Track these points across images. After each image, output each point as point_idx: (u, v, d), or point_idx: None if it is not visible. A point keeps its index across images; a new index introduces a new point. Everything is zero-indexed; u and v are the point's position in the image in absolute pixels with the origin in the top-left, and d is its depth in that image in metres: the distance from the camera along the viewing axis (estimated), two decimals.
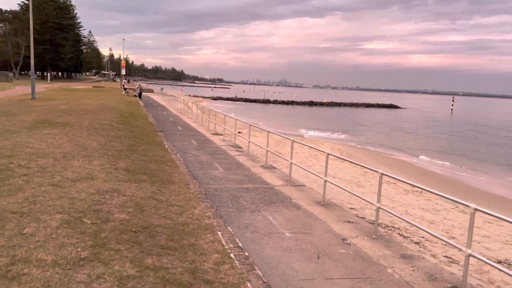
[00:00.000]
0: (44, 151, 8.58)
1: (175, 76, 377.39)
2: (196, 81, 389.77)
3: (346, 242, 6.04)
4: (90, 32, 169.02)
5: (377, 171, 6.38)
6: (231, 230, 5.63)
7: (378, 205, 6.39)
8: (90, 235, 4.25)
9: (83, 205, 5.25)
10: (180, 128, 20.15)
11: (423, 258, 5.84)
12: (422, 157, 25.85)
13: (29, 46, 68.28)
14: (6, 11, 77.24)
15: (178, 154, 11.16)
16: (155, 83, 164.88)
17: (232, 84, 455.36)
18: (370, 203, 6.62)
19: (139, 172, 7.78)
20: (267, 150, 12.26)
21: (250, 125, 15.04)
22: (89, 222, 4.65)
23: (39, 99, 26.05)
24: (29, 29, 65.30)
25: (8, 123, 12.71)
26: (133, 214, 5.27)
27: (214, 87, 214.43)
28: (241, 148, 15.74)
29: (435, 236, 5.37)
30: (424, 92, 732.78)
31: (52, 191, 5.69)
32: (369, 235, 6.38)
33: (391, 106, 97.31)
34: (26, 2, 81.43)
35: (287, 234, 6.15)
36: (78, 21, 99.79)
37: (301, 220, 7.00)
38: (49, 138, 10.20)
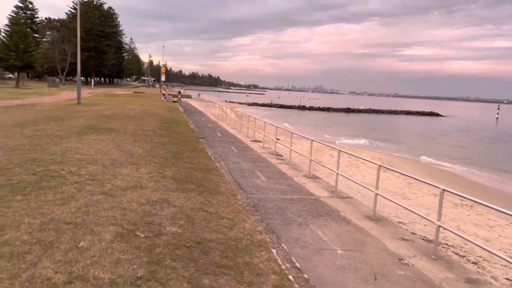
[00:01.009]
0: (93, 157, 8.69)
1: (211, 82, 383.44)
2: (232, 87, 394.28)
3: (403, 262, 5.64)
4: (131, 39, 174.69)
5: (438, 187, 5.95)
6: (285, 247, 5.37)
7: (439, 223, 5.93)
8: (144, 250, 4.12)
9: (135, 216, 5.17)
10: (219, 135, 20.16)
11: (490, 283, 5.35)
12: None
13: (74, 53, 71.48)
14: (54, 19, 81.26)
15: (222, 162, 11.05)
16: (192, 89, 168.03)
17: (267, 90, 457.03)
18: (430, 221, 6.17)
19: (186, 181, 7.70)
20: (310, 159, 11.94)
21: (292, 133, 14.75)
22: (143, 235, 4.54)
23: (84, 104, 26.97)
24: (75, 37, 68.25)
25: (57, 128, 13.11)
26: (185, 227, 5.14)
27: (250, 93, 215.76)
28: (282, 156, 15.49)
29: (502, 258, 4.91)
30: (466, 100, 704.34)
31: (104, 200, 5.67)
32: (427, 255, 5.94)
33: (432, 114, 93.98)
34: (73, 11, 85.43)
35: (339, 251, 5.82)
36: (120, 28, 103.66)
37: (352, 236, 6.64)
38: (97, 144, 10.37)
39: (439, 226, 5.92)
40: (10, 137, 11.01)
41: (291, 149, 13.96)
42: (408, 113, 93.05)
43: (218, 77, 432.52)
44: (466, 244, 8.79)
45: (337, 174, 10.11)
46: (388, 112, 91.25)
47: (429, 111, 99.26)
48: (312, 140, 12.55)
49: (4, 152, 8.85)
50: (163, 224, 5.09)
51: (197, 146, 13.25)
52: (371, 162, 9.37)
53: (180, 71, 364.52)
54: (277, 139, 19.13)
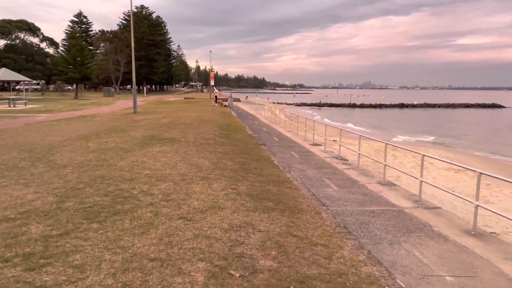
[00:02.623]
0: (161, 172, 8.24)
1: (257, 83, 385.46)
2: (277, 88, 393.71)
3: None
4: (178, 46, 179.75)
5: None
6: (402, 284, 4.46)
7: None
8: None
9: (223, 248, 4.50)
10: (276, 139, 19.41)
11: None
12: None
13: (127, 63, 74.17)
14: (107, 31, 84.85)
15: (292, 173, 10.27)
16: (238, 92, 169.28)
17: (313, 89, 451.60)
18: None
19: (262, 197, 6.99)
20: (384, 165, 10.86)
21: (360, 135, 13.65)
22: (238, 275, 3.84)
23: (140, 113, 27.36)
24: (127, 47, 70.43)
25: (120, 140, 12.98)
26: (279, 260, 4.39)
27: (296, 93, 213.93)
28: (347, 160, 14.45)
29: None
30: None
31: (184, 227, 5.07)
32: None
33: (494, 106, 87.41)
34: (124, 22, 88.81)
35: (447, 277, 4.83)
36: (168, 36, 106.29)
37: (456, 257, 5.60)
38: (162, 157, 9.98)
39: None
40: (76, 152, 10.93)
41: (359, 153, 12.92)
42: (467, 106, 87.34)
43: (263, 78, 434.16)
44: None
45: (421, 182, 9.00)
46: (445, 106, 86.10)
47: (491, 102, 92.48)
48: (387, 143, 11.43)
49: (72, 169, 8.65)
50: (255, 257, 4.38)
51: (261, 154, 12.57)
52: (468, 169, 8.13)
53: (226, 75, 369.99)
54: (333, 140, 18.09)
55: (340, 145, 14.80)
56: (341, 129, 15.93)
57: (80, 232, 4.75)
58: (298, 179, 9.53)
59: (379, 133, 35.79)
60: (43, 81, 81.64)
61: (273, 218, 5.86)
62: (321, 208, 7.06)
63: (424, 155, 9.20)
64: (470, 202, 7.47)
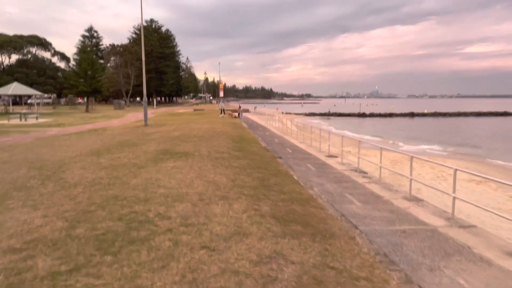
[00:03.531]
0: (178, 191, 7.71)
1: (264, 94, 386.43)
2: (285, 98, 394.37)
3: None
4: (187, 58, 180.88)
5: None
6: None
7: None
8: None
9: (255, 286, 3.92)
10: (290, 151, 18.84)
11: None
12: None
13: (137, 76, 74.52)
14: (117, 45, 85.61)
15: (315, 189, 9.66)
16: (246, 102, 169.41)
17: (321, 98, 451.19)
18: None
19: (288, 219, 6.40)
20: (410, 179, 10.22)
21: (381, 148, 13.01)
22: None
23: (151, 126, 27.03)
24: (137, 60, 70.84)
25: (132, 156, 12.52)
26: None
27: (304, 103, 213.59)
28: (366, 173, 13.81)
29: None
30: None
31: (208, 259, 4.50)
32: None
33: (506, 114, 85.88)
34: (134, 36, 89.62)
35: None
36: (177, 49, 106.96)
37: (506, 285, 4.98)
38: (177, 173, 9.46)
39: None
40: (87, 168, 10.47)
41: (381, 166, 12.28)
42: (479, 114, 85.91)
43: (271, 89, 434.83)
44: None
45: (454, 198, 8.35)
46: (456, 115, 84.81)
47: (503, 111, 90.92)
48: (412, 156, 10.78)
49: (83, 188, 8.16)
50: None
51: (278, 168, 12.00)
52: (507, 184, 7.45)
53: (234, 86, 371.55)
54: (348, 151, 17.45)
55: (359, 157, 14.18)
56: (359, 140, 15.29)
57: (92, 268, 4.20)
58: (323, 196, 8.92)
59: (402, 144, 34.94)
60: (55, 95, 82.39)
61: (304, 245, 5.27)
62: (354, 231, 6.44)
63: (456, 170, 8.56)
64: (506, 218, 6.84)
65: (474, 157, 27.90)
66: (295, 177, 10.83)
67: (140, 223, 5.70)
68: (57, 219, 6.08)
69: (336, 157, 17.44)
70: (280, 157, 14.82)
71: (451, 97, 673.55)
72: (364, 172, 13.92)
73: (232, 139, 18.25)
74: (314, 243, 5.45)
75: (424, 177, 18.02)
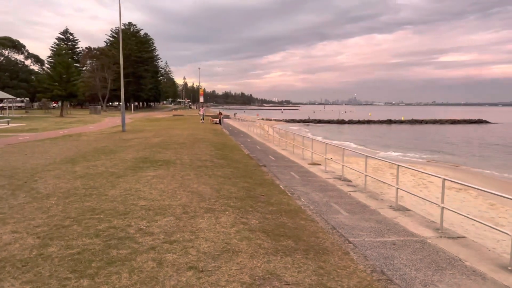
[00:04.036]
0: (160, 203, 7.26)
1: (244, 100, 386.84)
2: (265, 104, 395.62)
3: None
4: (166, 63, 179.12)
5: None
6: None
7: None
8: None
9: None
10: (273, 158, 18.55)
11: None
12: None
13: (114, 80, 73.07)
14: (94, 48, 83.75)
15: (302, 199, 9.37)
16: (225, 108, 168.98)
17: (300, 105, 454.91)
18: None
19: (279, 234, 6.06)
20: (397, 188, 10.09)
21: (367, 156, 12.87)
22: None
23: (129, 131, 26.30)
24: (114, 64, 69.42)
25: (109, 164, 11.94)
26: None
27: (284, 109, 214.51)
28: (350, 181, 13.65)
29: None
30: (511, 105, 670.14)
31: (197, 282, 4.10)
32: None
33: (480, 122, 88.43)
34: (111, 39, 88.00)
35: None
36: (156, 53, 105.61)
37: None
38: (158, 183, 9.00)
39: None
40: (62, 178, 9.87)
41: (366, 175, 12.14)
42: (454, 121, 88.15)
43: (250, 95, 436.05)
44: None
45: (442, 208, 8.23)
46: (432, 122, 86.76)
47: (477, 118, 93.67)
48: (399, 165, 10.65)
49: (57, 199, 7.60)
50: None
51: (263, 177, 11.67)
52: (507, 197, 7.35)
53: (214, 91, 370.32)
54: (330, 158, 17.25)
55: (343, 165, 14.02)
56: (344, 148, 15.14)
57: None
58: (311, 207, 8.63)
59: (377, 151, 35.19)
60: (28, 99, 79.74)
61: (298, 263, 4.94)
62: (347, 245, 6.16)
63: (445, 179, 8.43)
64: (505, 233, 6.70)
65: (451, 164, 28.33)
66: (282, 187, 10.53)
67: (120, 240, 5.25)
68: (27, 235, 5.56)
69: (319, 164, 17.27)
70: (265, 165, 14.49)
71: (426, 104, 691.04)
72: (349, 180, 13.76)
73: (215, 146, 17.84)
74: (307, 260, 5.13)
75: (405, 184, 18.07)
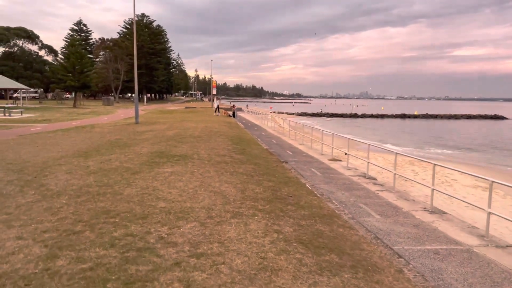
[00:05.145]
0: (180, 205, 6.53)
1: (255, 93, 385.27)
2: (275, 97, 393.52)
3: None
4: (178, 55, 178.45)
5: None
6: None
7: None
8: None
9: None
10: (291, 153, 17.74)
11: None
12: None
13: (127, 71, 72.72)
14: (107, 39, 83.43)
15: (334, 202, 8.55)
16: (237, 101, 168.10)
17: (311, 98, 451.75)
18: None
19: (318, 245, 5.28)
20: (432, 189, 9.25)
21: (396, 153, 11.98)
22: None
23: (142, 123, 25.70)
24: (127, 55, 69.05)
25: (124, 158, 11.27)
26: None
27: (295, 102, 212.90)
28: (375, 179, 12.81)
29: None
30: None
31: None
32: None
33: (496, 117, 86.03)
34: (125, 30, 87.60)
35: None
36: (169, 45, 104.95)
37: None
38: (177, 181, 8.27)
39: None
40: (74, 173, 9.22)
41: (395, 173, 11.30)
42: (469, 117, 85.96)
43: (261, 87, 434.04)
44: None
45: (489, 213, 7.37)
46: (447, 117, 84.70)
47: (493, 114, 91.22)
48: (435, 164, 9.80)
49: (68, 198, 6.93)
50: None
51: (287, 174, 10.88)
52: None
53: (225, 84, 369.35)
54: (345, 153, 16.34)
55: (368, 162, 13.17)
56: (369, 144, 14.23)
57: None
58: (346, 211, 7.81)
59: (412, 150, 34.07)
60: (41, 89, 79.99)
61: (349, 285, 4.16)
62: (398, 261, 5.35)
63: (493, 182, 7.54)
64: None
65: (481, 162, 27.06)
66: (308, 186, 9.72)
67: (139, 252, 4.52)
68: (33, 242, 4.88)
69: (340, 160, 16.43)
70: (286, 162, 13.70)
71: (439, 99, 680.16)
72: (374, 178, 12.92)
73: (231, 140, 17.08)
74: (358, 281, 4.34)
75: (429, 181, 17.08)
